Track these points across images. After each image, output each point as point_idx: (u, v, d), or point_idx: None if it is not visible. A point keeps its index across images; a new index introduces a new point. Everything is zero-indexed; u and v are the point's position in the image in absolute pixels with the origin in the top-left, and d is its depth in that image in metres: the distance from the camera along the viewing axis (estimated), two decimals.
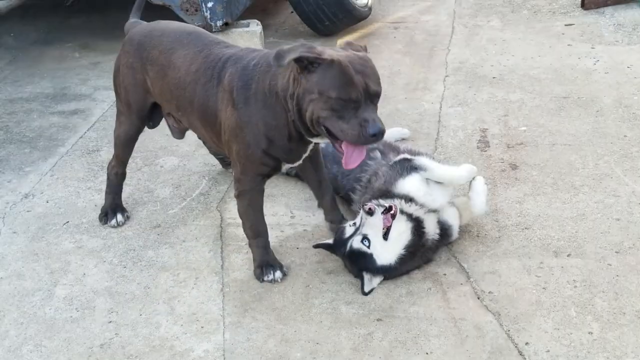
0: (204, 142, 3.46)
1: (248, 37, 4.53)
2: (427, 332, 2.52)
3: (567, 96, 4.10)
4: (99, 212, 3.25)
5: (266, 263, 2.79)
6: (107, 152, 3.78)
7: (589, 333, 2.47)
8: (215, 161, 3.62)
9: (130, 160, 3.67)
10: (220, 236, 3.09)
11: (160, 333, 2.60)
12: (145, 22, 3.11)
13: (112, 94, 4.45)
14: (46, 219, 3.28)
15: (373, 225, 2.66)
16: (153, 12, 5.28)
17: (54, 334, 2.62)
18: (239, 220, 3.14)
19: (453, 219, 2.87)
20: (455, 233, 2.89)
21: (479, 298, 2.67)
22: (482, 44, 4.91)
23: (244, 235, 3.04)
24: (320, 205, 3.06)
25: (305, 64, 2.38)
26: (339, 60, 2.37)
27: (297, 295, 2.73)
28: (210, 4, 4.35)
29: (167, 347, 2.53)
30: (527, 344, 2.45)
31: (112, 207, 3.21)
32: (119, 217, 3.20)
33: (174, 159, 3.72)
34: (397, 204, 2.71)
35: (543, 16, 5.31)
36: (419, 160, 2.89)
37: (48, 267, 2.97)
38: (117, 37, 5.43)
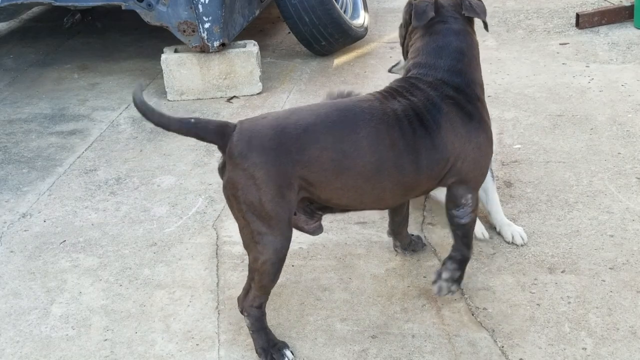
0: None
1: (245, 57, 4.57)
2: (422, 349, 2.53)
3: (561, 114, 4.13)
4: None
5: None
6: (105, 172, 3.81)
7: (582, 349, 2.48)
8: (211, 180, 3.64)
9: (127, 180, 3.70)
10: (216, 254, 3.10)
11: (155, 351, 2.60)
12: (238, 123, 2.41)
13: (110, 113, 4.53)
14: (43, 238, 3.29)
15: None
16: (152, 33, 5.35)
17: (49, 352, 2.62)
18: (235, 239, 3.17)
19: None
20: None
21: (473, 314, 2.68)
22: None
23: (240, 253, 3.06)
24: (393, 234, 2.98)
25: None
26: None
27: (291, 313, 2.74)
28: (207, 25, 4.38)
29: None
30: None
31: (272, 345, 2.54)
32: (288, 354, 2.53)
33: (171, 178, 3.74)
34: None
35: (538, 35, 5.36)
36: None
37: (44, 285, 2.98)
38: (116, 58, 5.53)
